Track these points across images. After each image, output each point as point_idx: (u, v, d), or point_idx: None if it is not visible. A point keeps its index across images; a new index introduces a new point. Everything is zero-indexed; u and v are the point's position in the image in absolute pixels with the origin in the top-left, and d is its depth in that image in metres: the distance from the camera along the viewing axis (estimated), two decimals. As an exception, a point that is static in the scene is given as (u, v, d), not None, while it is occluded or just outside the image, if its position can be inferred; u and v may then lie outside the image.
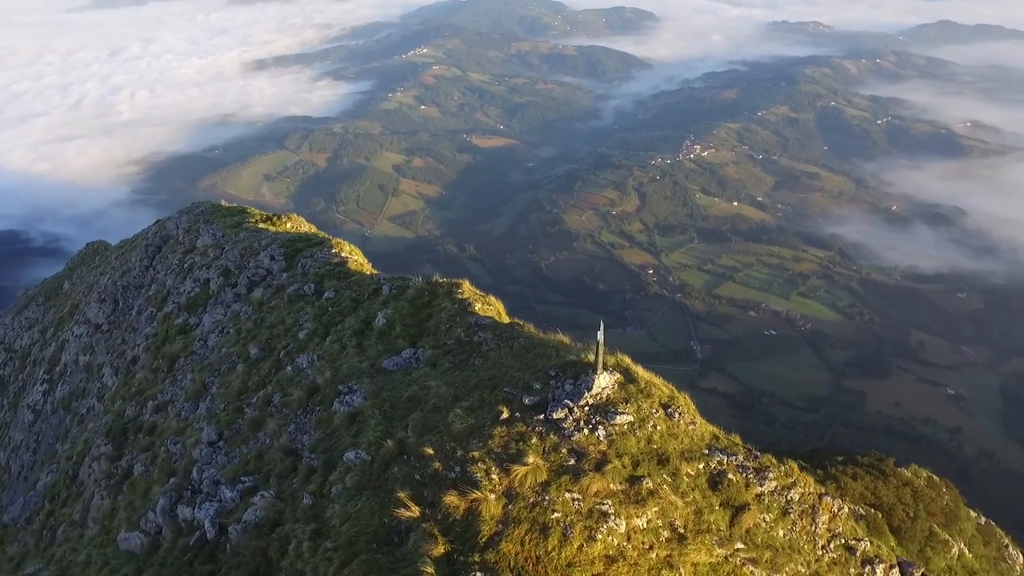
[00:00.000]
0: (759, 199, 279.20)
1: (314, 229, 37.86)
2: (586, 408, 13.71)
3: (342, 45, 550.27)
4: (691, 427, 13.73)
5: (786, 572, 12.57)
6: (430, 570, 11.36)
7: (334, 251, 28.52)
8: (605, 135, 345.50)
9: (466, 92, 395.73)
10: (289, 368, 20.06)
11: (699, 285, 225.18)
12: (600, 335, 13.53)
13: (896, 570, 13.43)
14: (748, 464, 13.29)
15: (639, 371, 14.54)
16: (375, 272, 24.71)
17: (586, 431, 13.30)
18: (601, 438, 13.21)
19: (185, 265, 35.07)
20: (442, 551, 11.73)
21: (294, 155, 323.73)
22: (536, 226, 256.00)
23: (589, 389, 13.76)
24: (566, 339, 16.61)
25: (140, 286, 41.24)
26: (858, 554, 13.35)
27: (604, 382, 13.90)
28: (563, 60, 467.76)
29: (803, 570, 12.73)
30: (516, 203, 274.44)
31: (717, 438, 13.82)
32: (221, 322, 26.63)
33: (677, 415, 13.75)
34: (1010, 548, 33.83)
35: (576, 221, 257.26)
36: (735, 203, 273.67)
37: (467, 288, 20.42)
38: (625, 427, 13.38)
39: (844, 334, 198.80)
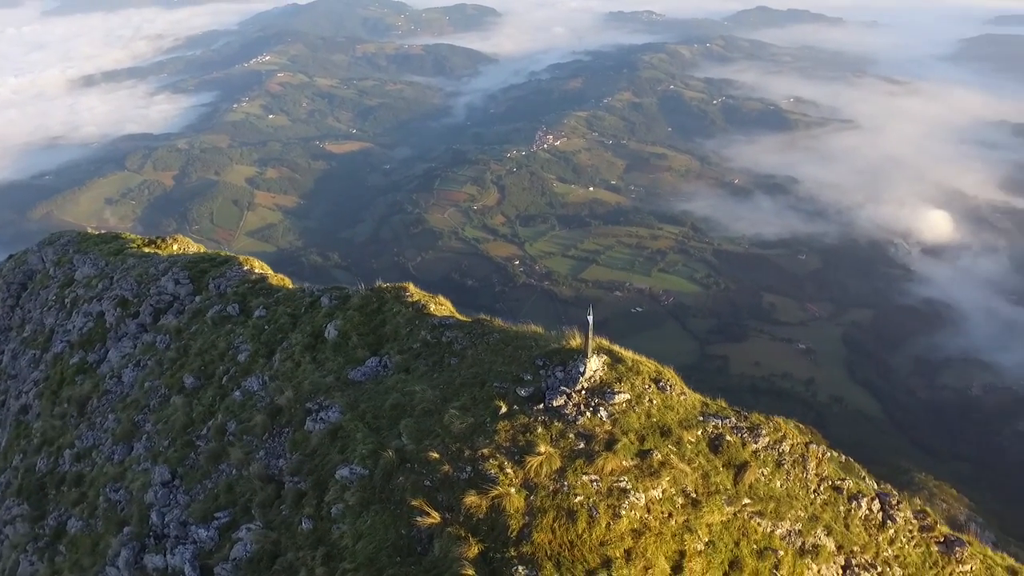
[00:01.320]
0: (613, 183, 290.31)
1: (203, 249, 35.96)
2: (583, 392, 13.99)
3: (178, 56, 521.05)
4: (682, 397, 14.34)
5: (788, 519, 13.45)
6: (470, 572, 11.27)
7: (246, 268, 27.26)
8: (459, 132, 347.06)
9: (315, 98, 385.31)
10: (237, 393, 19.02)
11: (565, 271, 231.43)
12: (590, 318, 13.82)
13: (876, 502, 14.67)
14: (741, 425, 14.08)
15: (622, 351, 15.00)
16: (301, 286, 23.85)
17: (588, 414, 13.59)
18: (604, 419, 13.54)
19: (66, 300, 32.30)
20: (476, 551, 11.66)
21: (137, 175, 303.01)
22: (399, 228, 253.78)
23: (582, 374, 14.05)
24: (539, 329, 16.81)
25: (7, 329, 37.68)
26: (844, 492, 14.50)
27: (595, 365, 14.23)
28: (410, 60, 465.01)
29: (802, 514, 13.66)
30: (377, 207, 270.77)
31: (707, 404, 14.53)
32: (132, 355, 24.78)
33: (668, 388, 14.32)
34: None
35: (439, 219, 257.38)
36: (591, 188, 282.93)
37: (414, 291, 20.14)
38: (624, 405, 13.78)
39: (704, 304, 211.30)
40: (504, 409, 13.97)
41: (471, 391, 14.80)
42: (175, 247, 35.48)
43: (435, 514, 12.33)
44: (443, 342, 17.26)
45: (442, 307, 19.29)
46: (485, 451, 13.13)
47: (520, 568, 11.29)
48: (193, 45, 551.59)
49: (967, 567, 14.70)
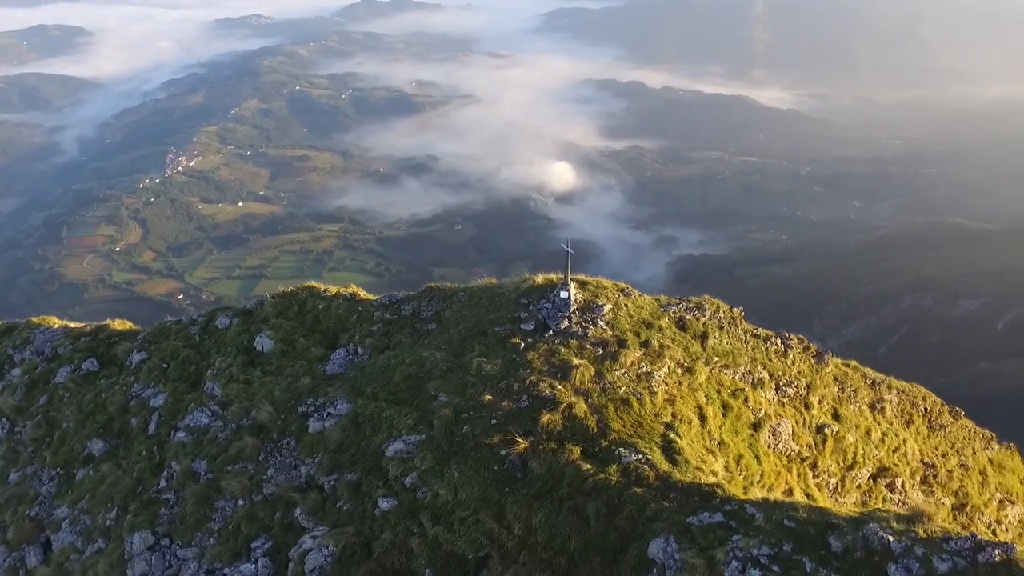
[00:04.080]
0: (262, 193, 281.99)
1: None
2: (576, 312, 16.52)
3: None
4: (643, 298, 17.61)
5: (740, 364, 17.57)
6: (588, 465, 13.34)
7: (48, 327, 24.48)
8: (77, 169, 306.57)
9: None
10: (181, 434, 17.72)
11: (235, 293, 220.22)
12: (569, 251, 16.37)
13: (777, 339, 19.48)
14: (691, 306, 17.82)
15: (583, 277, 17.76)
16: (166, 322, 22.35)
17: (591, 328, 16.17)
18: (604, 327, 16.24)
19: None
20: (577, 452, 13.72)
21: None
22: (31, 289, 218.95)
23: (567, 300, 16.55)
24: (492, 279, 18.78)
25: None
26: (760, 337, 19.04)
27: (573, 290, 16.79)
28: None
29: (746, 359, 17.89)
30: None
31: (659, 298, 18.02)
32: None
33: (631, 293, 17.48)
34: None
35: (78, 270, 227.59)
36: (240, 204, 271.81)
37: (322, 285, 20.56)
38: (611, 314, 16.60)
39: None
40: (522, 344, 15.96)
41: (478, 341, 16.42)
42: None
43: (522, 440, 14.08)
44: (405, 315, 18.34)
45: (361, 291, 20.19)
46: (532, 378, 15.07)
47: (622, 450, 13.66)
48: None
49: (829, 368, 20.35)
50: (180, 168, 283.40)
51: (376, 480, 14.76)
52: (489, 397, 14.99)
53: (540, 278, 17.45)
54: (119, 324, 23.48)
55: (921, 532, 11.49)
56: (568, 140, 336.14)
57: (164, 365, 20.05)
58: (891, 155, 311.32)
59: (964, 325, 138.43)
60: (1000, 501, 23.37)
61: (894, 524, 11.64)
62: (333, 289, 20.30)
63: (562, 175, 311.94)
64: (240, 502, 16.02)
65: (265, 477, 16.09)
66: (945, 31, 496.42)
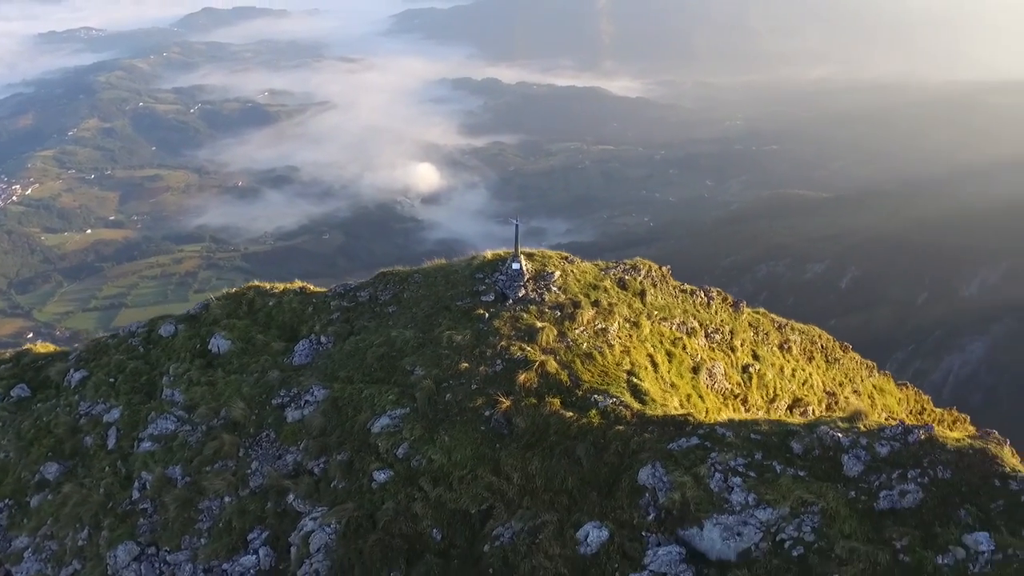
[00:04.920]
0: (112, 218, 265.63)
1: None
2: (530, 281, 17.79)
3: None
4: (584, 263, 19.14)
5: (676, 316, 19.46)
6: (570, 413, 14.66)
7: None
8: None
9: None
10: (147, 443, 17.50)
11: (92, 326, 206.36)
12: (518, 225, 17.62)
13: (700, 292, 21.56)
14: (627, 267, 19.53)
15: (528, 249, 19.04)
16: (100, 338, 21.76)
17: (546, 293, 17.50)
18: (557, 292, 17.61)
19: None
20: (557, 403, 15.01)
21: None
22: None
23: (520, 271, 17.80)
24: (441, 260, 19.73)
25: None
26: (687, 291, 21.03)
27: (523, 262, 18.06)
28: None
29: (679, 311, 19.81)
30: None
31: (598, 263, 19.60)
32: None
33: (574, 260, 18.96)
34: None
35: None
36: (88, 231, 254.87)
37: (267, 284, 20.80)
38: (561, 280, 17.99)
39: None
40: (486, 314, 17.06)
41: (443, 316, 17.37)
42: None
43: (505, 399, 15.21)
44: (363, 301, 18.97)
45: (310, 285, 20.63)
46: (502, 344, 16.21)
47: (596, 396, 15.06)
48: None
49: (744, 316, 22.71)
50: (15, 197, 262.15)
51: (367, 456, 15.47)
52: (465, 365, 16.03)
53: (489, 254, 18.64)
54: (42, 347, 22.71)
55: (862, 427, 13.63)
56: (429, 141, 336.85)
57: (111, 380, 19.68)
58: (734, 135, 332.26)
59: (813, 287, 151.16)
60: (885, 419, 26.73)
61: (840, 424, 13.73)
62: (280, 286, 20.62)
63: (426, 176, 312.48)
64: (226, 499, 16.20)
65: (249, 471, 16.36)
66: (770, 19, 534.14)
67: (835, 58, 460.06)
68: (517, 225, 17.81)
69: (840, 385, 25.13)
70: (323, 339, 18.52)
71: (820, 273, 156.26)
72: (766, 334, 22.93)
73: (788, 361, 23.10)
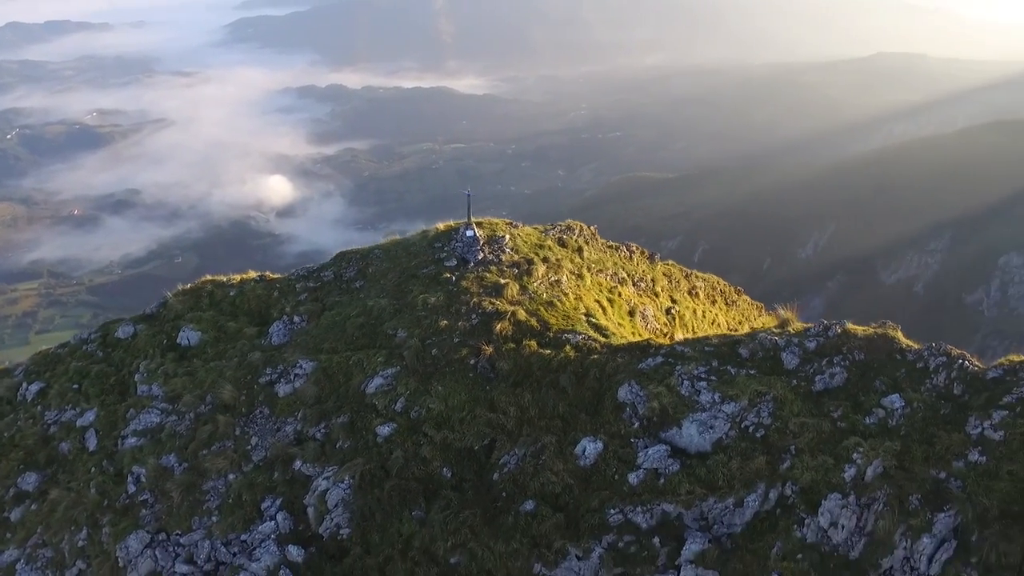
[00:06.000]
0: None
1: None
2: (485, 246, 19.66)
3: None
4: (526, 227, 21.21)
5: (609, 268, 21.93)
6: (547, 351, 16.68)
7: None
8: None
9: None
10: (132, 440, 17.76)
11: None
12: (468, 198, 19.42)
13: (623, 247, 24.16)
14: (564, 227, 21.81)
15: (477, 219, 20.85)
16: (49, 350, 21.54)
17: (502, 254, 19.44)
18: (511, 252, 19.58)
19: None
20: (534, 344, 16.99)
21: None
22: None
23: (475, 237, 19.62)
24: (394, 235, 21.15)
25: None
26: (614, 248, 23.56)
27: (476, 229, 19.90)
28: None
29: (610, 264, 22.31)
30: None
31: (537, 227, 21.74)
32: None
33: (518, 226, 20.98)
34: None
35: None
36: None
37: (221, 276, 21.42)
38: (512, 242, 19.97)
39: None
40: (453, 277, 18.77)
41: (413, 283, 18.86)
42: None
43: (487, 347, 17.03)
44: (328, 280, 20.11)
45: (266, 273, 21.57)
46: (474, 300, 17.98)
47: (567, 335, 17.16)
48: None
49: (659, 267, 25.61)
50: None
51: (368, 415, 16.82)
52: (445, 322, 17.71)
53: (442, 225, 20.39)
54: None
55: (791, 330, 16.58)
56: (278, 152, 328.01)
57: (75, 386, 19.76)
58: (580, 125, 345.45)
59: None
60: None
61: (774, 331, 16.61)
62: (236, 276, 21.34)
63: (279, 188, 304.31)
64: (231, 476, 16.98)
65: (250, 447, 17.23)
66: (602, 11, 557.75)
67: (666, 46, 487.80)
68: (469, 195, 19.64)
69: (740, 324, 28.58)
70: (296, 319, 19.54)
71: (675, 249, 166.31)
72: (677, 282, 25.93)
73: (698, 304, 26.22)
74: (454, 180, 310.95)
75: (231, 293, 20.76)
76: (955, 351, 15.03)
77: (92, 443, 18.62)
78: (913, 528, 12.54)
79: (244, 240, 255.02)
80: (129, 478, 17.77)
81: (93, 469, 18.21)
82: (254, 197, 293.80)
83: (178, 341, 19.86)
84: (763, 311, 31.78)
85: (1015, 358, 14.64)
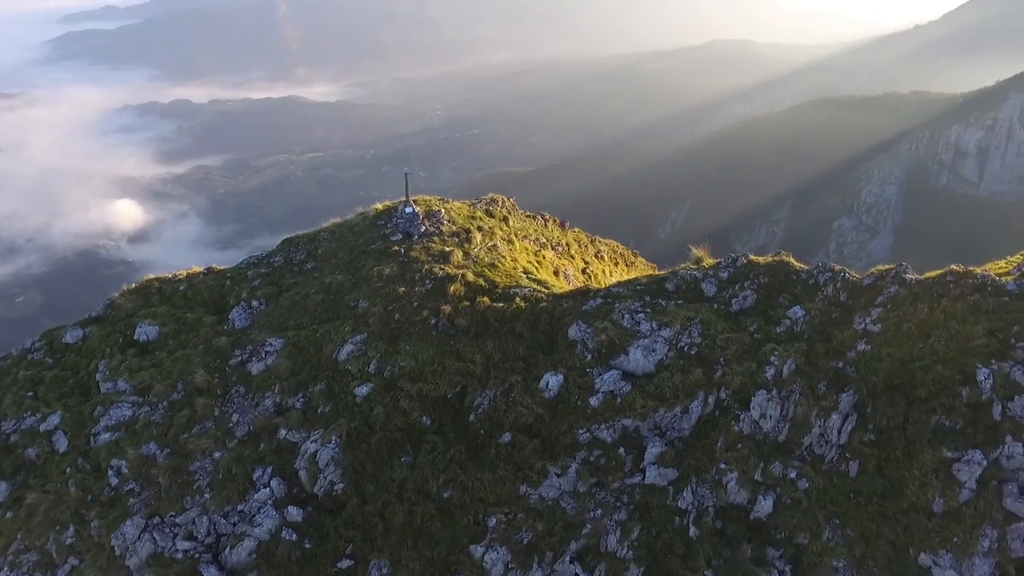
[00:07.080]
0: None
1: None
2: (425, 220, 21.38)
3: None
4: (455, 202, 23.11)
5: (531, 234, 24.20)
6: (500, 305, 18.69)
7: None
8: None
9: None
10: (105, 435, 18.07)
11: None
12: (407, 178, 21.09)
13: (539, 216, 26.48)
14: (488, 200, 23.86)
15: (413, 198, 22.48)
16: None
17: (442, 226, 21.23)
18: (449, 224, 21.41)
19: None
20: (488, 299, 18.93)
21: None
22: None
23: (415, 213, 21.32)
24: (339, 219, 22.42)
25: None
26: (532, 217, 25.81)
27: (414, 206, 21.59)
28: None
29: (532, 231, 24.56)
30: None
31: (466, 201, 23.65)
32: None
33: (449, 201, 22.83)
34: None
35: None
36: None
37: (169, 274, 21.96)
38: (447, 215, 21.79)
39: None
40: (401, 249, 20.39)
41: (365, 259, 20.29)
42: None
43: (445, 306, 18.82)
44: (278, 265, 21.15)
45: (213, 267, 22.30)
46: (425, 268, 19.70)
47: (514, 290, 19.24)
48: None
49: (570, 234, 28.14)
50: None
51: (344, 379, 18.21)
52: (402, 289, 19.35)
53: (380, 205, 21.97)
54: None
55: (705, 264, 19.45)
56: (122, 174, 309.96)
57: (30, 393, 19.85)
58: (438, 125, 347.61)
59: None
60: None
61: (692, 267, 19.41)
62: (182, 272, 21.94)
63: (127, 213, 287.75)
64: (217, 454, 17.86)
65: (231, 424, 18.17)
66: (448, 10, 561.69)
67: (514, 43, 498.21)
68: (408, 175, 21.34)
69: (639, 281, 31.76)
70: (254, 303, 20.48)
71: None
72: (586, 247, 28.58)
73: (604, 266, 29.00)
74: (314, 189, 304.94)
75: (181, 288, 21.37)
76: (837, 267, 18.37)
77: (62, 444, 18.87)
78: (824, 409, 15.58)
79: (94, 270, 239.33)
80: (109, 471, 18.22)
81: (68, 469, 18.48)
82: (100, 224, 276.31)
83: (136, 337, 20.31)
84: (656, 271, 35.11)
85: (882, 267, 18.11)
